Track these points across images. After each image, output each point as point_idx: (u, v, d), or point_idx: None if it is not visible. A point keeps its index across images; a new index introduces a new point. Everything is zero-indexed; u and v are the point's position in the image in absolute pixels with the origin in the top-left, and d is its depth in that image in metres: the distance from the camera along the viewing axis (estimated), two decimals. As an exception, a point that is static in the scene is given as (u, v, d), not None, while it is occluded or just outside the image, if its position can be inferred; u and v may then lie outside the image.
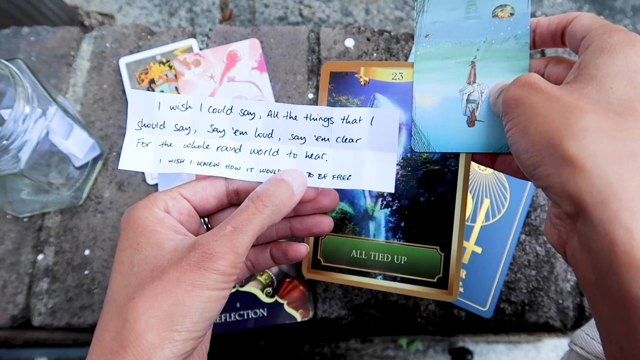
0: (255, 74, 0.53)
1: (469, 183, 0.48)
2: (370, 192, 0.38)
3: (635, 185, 0.20)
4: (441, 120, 0.35)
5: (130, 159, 0.30)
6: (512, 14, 0.33)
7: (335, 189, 0.32)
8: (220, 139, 0.31)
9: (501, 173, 0.48)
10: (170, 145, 0.31)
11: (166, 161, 0.30)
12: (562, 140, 0.22)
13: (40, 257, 0.49)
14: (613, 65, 0.23)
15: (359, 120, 0.30)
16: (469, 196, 0.48)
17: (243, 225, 0.25)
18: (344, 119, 0.30)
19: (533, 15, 0.33)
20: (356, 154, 0.30)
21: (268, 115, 0.30)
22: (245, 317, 0.45)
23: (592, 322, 0.35)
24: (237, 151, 0.31)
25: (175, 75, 0.53)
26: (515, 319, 0.46)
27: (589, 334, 0.33)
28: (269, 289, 0.46)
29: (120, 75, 0.54)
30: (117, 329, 0.23)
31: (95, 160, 0.50)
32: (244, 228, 0.25)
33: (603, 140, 0.22)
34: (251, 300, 0.46)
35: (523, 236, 0.48)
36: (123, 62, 0.55)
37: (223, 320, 0.45)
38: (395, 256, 0.37)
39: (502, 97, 0.28)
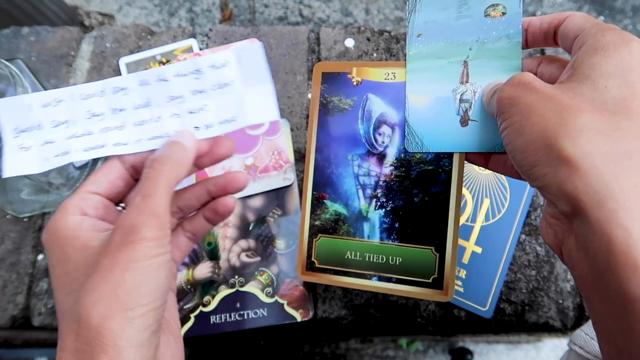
0: (255, 74, 0.53)
1: (469, 183, 0.48)
2: (364, 193, 0.38)
3: (631, 185, 0.20)
4: (434, 120, 0.34)
5: (13, 166, 0.30)
6: (504, 13, 0.33)
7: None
8: (101, 122, 0.31)
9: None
10: (52, 142, 0.30)
11: (52, 157, 0.30)
12: (558, 140, 0.22)
13: (40, 257, 0.49)
14: (607, 65, 0.23)
15: (227, 63, 0.30)
16: (469, 196, 0.48)
17: (150, 189, 0.25)
18: (212, 67, 0.30)
19: (533, 14, 0.33)
20: (234, 95, 0.31)
21: (140, 85, 0.30)
22: (245, 317, 0.46)
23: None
24: (121, 128, 0.31)
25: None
26: (515, 319, 0.46)
27: (589, 334, 0.34)
28: (269, 289, 0.46)
29: (121, 75, 0.54)
30: (75, 332, 0.23)
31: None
32: (152, 191, 0.25)
33: (598, 140, 0.22)
34: (251, 300, 0.46)
35: (523, 236, 0.48)
36: (123, 62, 0.55)
37: (223, 320, 0.45)
38: (390, 257, 0.37)
39: (496, 96, 0.28)
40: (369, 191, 0.38)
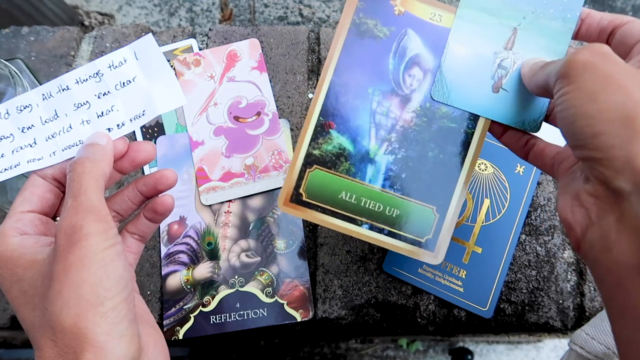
0: (255, 74, 0.53)
1: (469, 183, 0.48)
2: (377, 133, 0.35)
3: None
4: (467, 76, 0.34)
5: None
6: None
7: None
8: (12, 143, 0.30)
9: (501, 172, 0.48)
10: None
11: None
12: None
13: (40, 257, 0.49)
14: None
15: (125, 61, 0.30)
16: (469, 196, 0.48)
17: (78, 189, 0.25)
18: (110, 66, 0.30)
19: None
20: (140, 90, 0.31)
21: (44, 99, 0.30)
22: (245, 317, 0.45)
23: (592, 321, 0.35)
24: (32, 145, 0.30)
25: (175, 75, 0.53)
26: (515, 319, 0.46)
27: (589, 334, 0.33)
28: (269, 289, 0.46)
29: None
30: (51, 340, 0.23)
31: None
32: (81, 190, 0.25)
33: None
34: (251, 300, 0.46)
35: (523, 236, 0.48)
36: (123, 62, 0.55)
37: (223, 320, 0.45)
38: (388, 207, 0.35)
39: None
40: (382, 133, 0.35)
